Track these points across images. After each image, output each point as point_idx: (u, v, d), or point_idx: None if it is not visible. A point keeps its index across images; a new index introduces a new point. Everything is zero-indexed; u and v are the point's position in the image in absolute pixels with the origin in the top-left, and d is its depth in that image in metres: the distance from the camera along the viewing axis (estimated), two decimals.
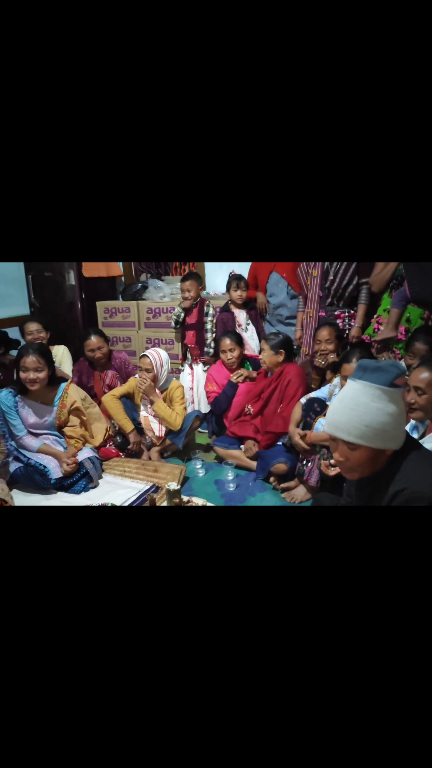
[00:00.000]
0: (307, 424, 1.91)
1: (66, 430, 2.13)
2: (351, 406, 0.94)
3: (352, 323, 2.32)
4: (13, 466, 1.96)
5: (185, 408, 2.36)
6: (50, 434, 2.12)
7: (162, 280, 3.23)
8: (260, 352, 2.33)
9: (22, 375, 1.94)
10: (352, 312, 2.34)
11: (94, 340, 2.40)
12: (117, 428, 2.35)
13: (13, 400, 2.01)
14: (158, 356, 2.28)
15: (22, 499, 1.88)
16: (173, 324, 2.81)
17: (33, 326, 2.40)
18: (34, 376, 1.93)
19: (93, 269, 3.22)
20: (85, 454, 2.07)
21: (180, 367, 2.86)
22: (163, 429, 2.33)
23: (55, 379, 2.08)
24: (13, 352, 2.64)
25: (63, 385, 2.12)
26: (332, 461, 1.33)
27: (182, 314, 2.74)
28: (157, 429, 2.33)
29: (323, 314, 2.38)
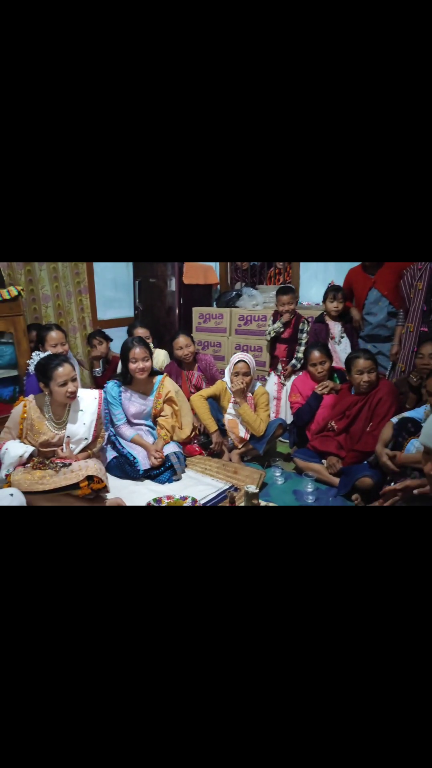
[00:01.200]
0: (398, 444, 1.80)
1: (159, 419, 2.32)
2: None
3: None
4: (109, 454, 2.19)
5: (269, 415, 2.39)
6: (145, 425, 2.33)
7: (256, 289, 3.31)
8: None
9: (132, 366, 2.19)
10: None
11: (181, 339, 2.57)
12: (202, 427, 2.47)
13: (118, 390, 2.26)
14: (252, 362, 2.36)
15: (114, 482, 2.07)
16: (269, 337, 2.83)
17: (142, 331, 2.69)
18: (143, 365, 2.19)
19: (192, 276, 3.43)
20: (171, 448, 2.21)
21: (266, 377, 2.90)
22: (246, 433, 2.38)
23: (153, 372, 2.31)
24: (113, 349, 2.94)
25: (160, 377, 2.34)
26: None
27: (282, 329, 2.74)
28: (240, 432, 2.40)
29: (426, 329, 2.23)
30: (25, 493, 1.65)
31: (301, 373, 2.53)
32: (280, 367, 2.78)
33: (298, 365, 2.64)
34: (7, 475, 1.74)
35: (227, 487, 2.04)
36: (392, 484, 1.78)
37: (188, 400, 2.46)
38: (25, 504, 1.63)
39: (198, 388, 2.63)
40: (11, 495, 1.61)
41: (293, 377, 2.61)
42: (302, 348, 2.64)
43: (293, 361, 2.67)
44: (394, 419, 1.87)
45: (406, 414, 1.87)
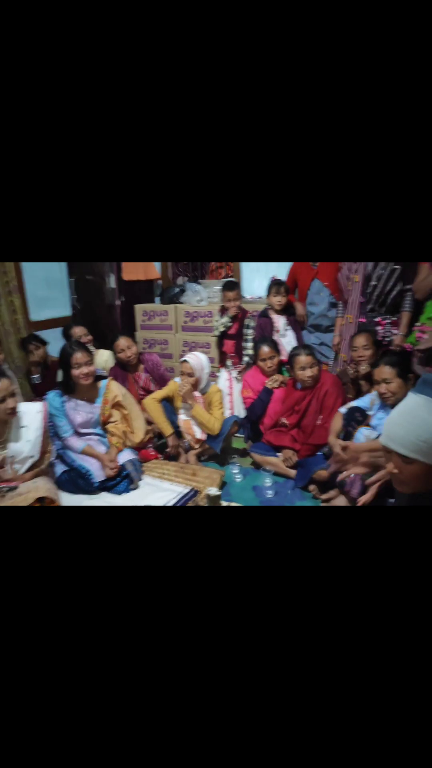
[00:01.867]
0: (348, 434, 1.89)
1: (109, 426, 2.21)
2: (409, 419, 0.94)
3: (394, 331, 2.27)
4: (59, 469, 2.05)
5: (223, 413, 2.39)
6: (94, 434, 2.21)
7: (199, 284, 3.27)
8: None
9: (74, 372, 2.04)
10: (394, 319, 2.29)
11: (122, 341, 2.47)
12: (156, 430, 2.40)
13: (59, 400, 2.11)
14: (198, 360, 2.32)
15: (67, 498, 1.95)
16: (217, 334, 2.81)
17: (79, 330, 2.50)
18: (87, 370, 2.05)
19: (132, 272, 3.29)
20: (126, 456, 2.13)
21: (217, 373, 2.89)
22: (202, 433, 2.36)
23: (97, 377, 2.19)
24: (51, 353, 2.76)
25: (105, 381, 2.22)
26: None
27: (229, 325, 2.73)
28: (196, 433, 2.37)
29: (363, 320, 2.34)
30: None
31: (250, 368, 2.55)
32: (229, 363, 2.78)
33: (251, 362, 2.66)
34: None
35: (188, 490, 2.02)
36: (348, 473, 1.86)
37: (138, 403, 2.38)
38: None
39: (147, 390, 2.55)
40: None
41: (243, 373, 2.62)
42: (249, 344, 2.66)
43: (245, 358, 2.68)
44: (343, 409, 1.95)
45: (352, 403, 1.96)
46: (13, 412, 1.71)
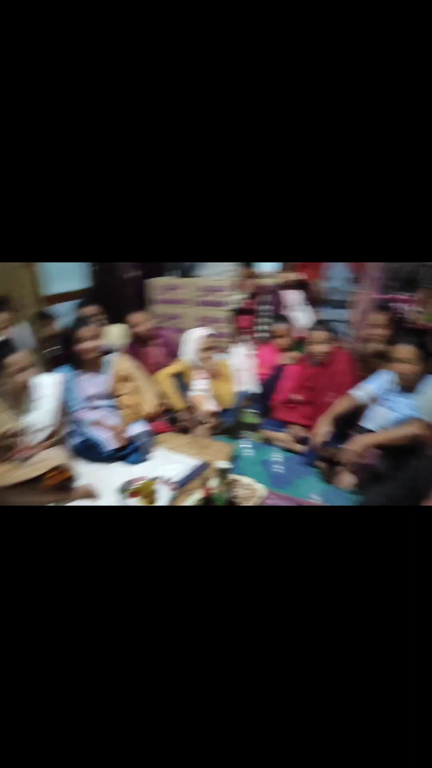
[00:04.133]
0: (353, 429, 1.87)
1: (120, 399, 2.24)
2: None
3: (411, 308, 2.21)
4: (74, 440, 2.11)
5: (235, 387, 2.40)
6: (105, 405, 2.25)
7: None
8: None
9: (81, 346, 2.07)
10: (412, 296, 2.22)
11: (137, 315, 2.48)
12: (168, 404, 2.43)
13: (71, 373, 2.15)
14: (209, 336, 2.32)
15: (82, 468, 2.01)
16: (232, 308, 2.79)
17: (91, 309, 2.52)
18: (93, 344, 2.08)
19: None
20: (138, 427, 2.17)
21: (231, 348, 2.88)
22: (215, 407, 2.38)
23: (106, 351, 2.22)
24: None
25: (113, 355, 2.25)
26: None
27: (243, 300, 2.69)
28: (208, 406, 2.39)
29: (381, 297, 2.29)
30: None
31: (265, 344, 2.54)
32: (244, 338, 2.77)
33: (265, 338, 2.64)
34: None
35: (199, 463, 2.06)
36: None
37: (151, 377, 2.41)
38: None
39: (159, 365, 2.56)
40: None
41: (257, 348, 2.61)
42: (264, 320, 2.63)
43: (260, 334, 2.66)
44: (357, 391, 1.93)
45: (364, 384, 1.93)
46: (30, 383, 1.75)
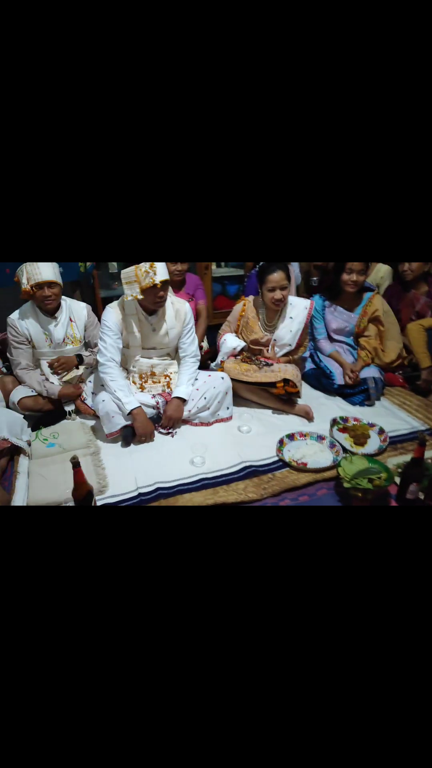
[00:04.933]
0: None
1: (361, 340, 2.24)
2: None
3: None
4: (308, 365, 2.28)
5: None
6: (345, 342, 2.29)
7: None
8: None
9: (345, 277, 2.11)
10: None
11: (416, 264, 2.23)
12: (411, 358, 2.24)
13: (322, 303, 2.26)
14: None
15: (308, 391, 2.19)
16: None
17: None
18: (357, 278, 2.09)
19: None
20: (370, 372, 2.13)
21: None
22: None
23: (364, 288, 2.19)
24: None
25: (369, 294, 2.20)
26: None
27: None
28: None
29: None
30: (232, 380, 1.95)
31: None
32: None
33: None
34: (222, 362, 2.08)
35: (423, 428, 1.88)
36: None
37: (404, 326, 2.24)
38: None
39: (421, 315, 2.32)
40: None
41: None
42: None
43: None
44: None
45: None
46: (278, 303, 1.96)
